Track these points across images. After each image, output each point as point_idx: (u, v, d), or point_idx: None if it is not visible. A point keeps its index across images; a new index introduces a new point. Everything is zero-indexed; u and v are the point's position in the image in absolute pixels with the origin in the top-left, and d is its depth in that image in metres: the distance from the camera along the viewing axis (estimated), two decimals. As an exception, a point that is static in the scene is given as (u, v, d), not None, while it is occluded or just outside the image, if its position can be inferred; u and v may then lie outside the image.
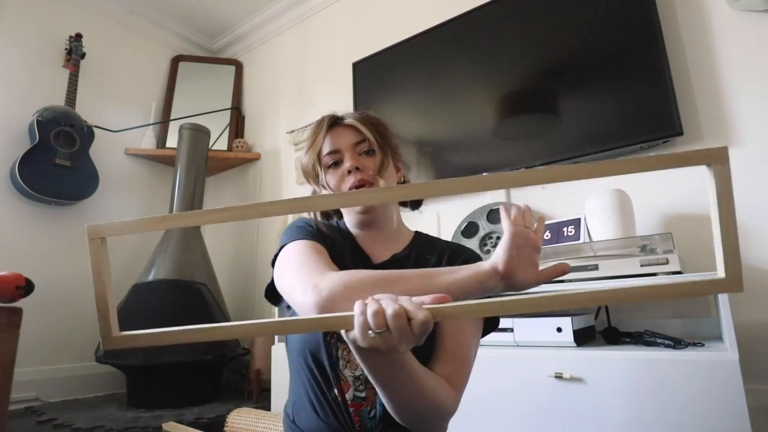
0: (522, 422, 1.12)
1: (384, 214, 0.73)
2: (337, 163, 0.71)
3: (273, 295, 0.70)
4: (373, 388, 0.64)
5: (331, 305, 0.52)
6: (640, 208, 1.42)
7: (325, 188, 0.72)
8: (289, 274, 0.62)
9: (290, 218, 2.44)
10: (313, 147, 0.72)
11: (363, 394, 0.64)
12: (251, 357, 2.09)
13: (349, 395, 0.64)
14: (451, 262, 0.71)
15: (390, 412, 0.58)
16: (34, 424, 1.70)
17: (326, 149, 0.71)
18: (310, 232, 0.69)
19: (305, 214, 0.77)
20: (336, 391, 0.64)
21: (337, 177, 0.70)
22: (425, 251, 0.74)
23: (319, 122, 0.74)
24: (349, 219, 0.76)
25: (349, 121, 0.72)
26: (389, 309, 0.42)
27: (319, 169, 0.72)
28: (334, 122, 0.73)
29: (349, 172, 0.69)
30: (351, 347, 0.49)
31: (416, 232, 0.80)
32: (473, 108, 1.84)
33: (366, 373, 0.53)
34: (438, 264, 0.71)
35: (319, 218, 0.79)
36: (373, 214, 0.71)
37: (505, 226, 0.57)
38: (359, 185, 0.69)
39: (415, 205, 0.85)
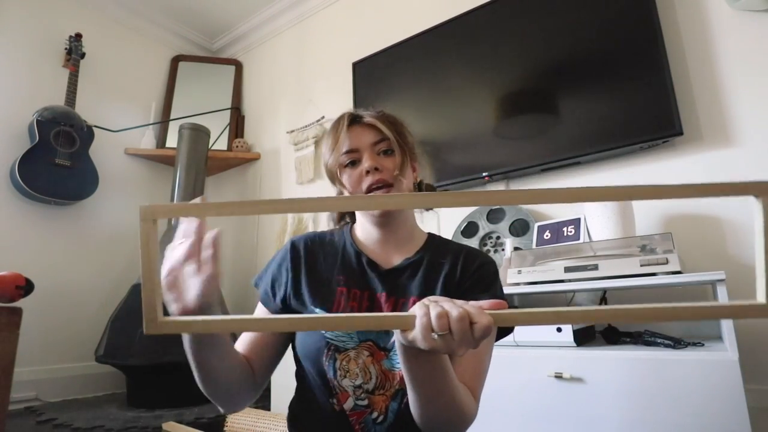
0: (522, 422, 1.12)
1: (400, 214, 0.72)
2: (354, 163, 0.70)
3: None
4: (380, 395, 0.64)
5: None
6: (640, 208, 1.42)
7: (344, 188, 0.71)
8: None
9: (290, 221, 2.44)
10: (337, 147, 0.70)
11: (365, 402, 0.64)
12: (251, 357, 2.08)
13: (348, 405, 0.64)
14: (466, 267, 0.70)
15: (417, 417, 0.58)
16: (33, 424, 1.70)
17: (344, 148, 0.70)
18: (265, 291, 0.72)
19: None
20: (335, 400, 0.64)
21: (355, 177, 0.69)
22: (439, 254, 0.72)
23: (338, 120, 0.72)
24: (364, 219, 0.74)
25: (368, 119, 0.71)
26: (453, 312, 0.42)
27: (338, 169, 0.71)
28: (352, 120, 0.72)
29: (368, 172, 0.68)
30: (399, 348, 0.50)
31: (429, 234, 0.78)
32: (473, 108, 1.84)
33: (406, 374, 0.53)
34: (453, 268, 0.70)
35: (332, 224, 0.79)
36: (388, 216, 0.70)
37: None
38: (377, 186, 0.68)
39: None
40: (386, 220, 0.71)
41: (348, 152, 0.70)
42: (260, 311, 0.73)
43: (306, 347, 0.67)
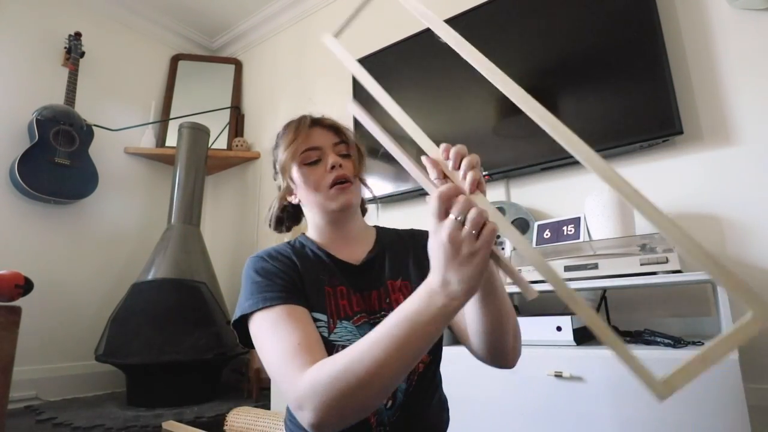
0: (522, 421, 1.12)
1: (355, 210, 0.76)
2: (316, 162, 0.72)
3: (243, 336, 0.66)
4: None
5: (322, 422, 0.49)
6: (640, 207, 1.42)
7: (294, 184, 0.74)
8: (271, 361, 0.57)
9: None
10: (296, 142, 0.72)
11: None
12: (251, 356, 2.09)
13: None
14: (417, 247, 0.76)
15: (495, 338, 0.60)
16: (33, 423, 1.70)
17: (307, 144, 0.72)
18: (277, 286, 0.63)
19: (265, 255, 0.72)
20: None
21: (319, 173, 0.72)
22: (394, 242, 0.78)
23: (300, 120, 0.75)
24: (319, 219, 0.74)
25: (329, 122, 0.76)
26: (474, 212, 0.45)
27: (294, 165, 0.73)
28: (314, 122, 0.76)
29: (333, 167, 0.71)
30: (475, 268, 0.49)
31: (376, 226, 0.83)
32: (473, 107, 1.84)
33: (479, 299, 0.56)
34: (416, 250, 0.76)
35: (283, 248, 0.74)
36: (349, 210, 0.73)
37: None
38: (341, 181, 0.71)
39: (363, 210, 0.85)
40: (344, 215, 0.74)
41: (312, 149, 0.72)
42: (288, 313, 0.61)
43: None
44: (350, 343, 0.63)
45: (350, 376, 0.48)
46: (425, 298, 0.47)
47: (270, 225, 0.82)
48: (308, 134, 0.73)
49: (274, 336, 0.58)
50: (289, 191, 0.76)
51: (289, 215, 0.82)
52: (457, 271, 0.45)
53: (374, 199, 0.85)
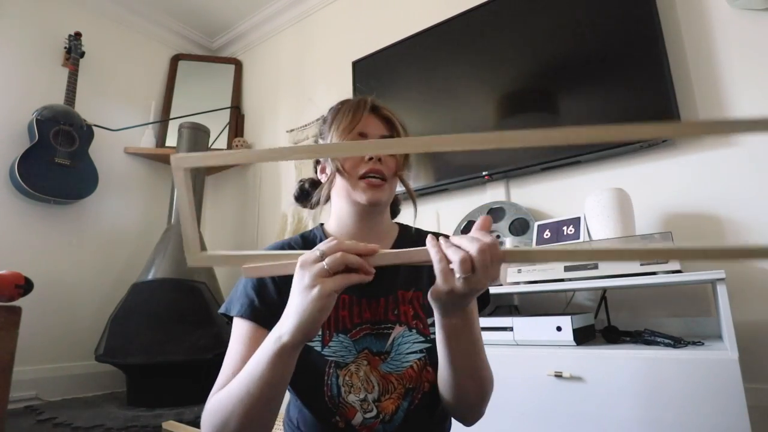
0: (521, 421, 1.12)
1: (384, 208, 0.70)
2: None
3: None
4: (388, 400, 0.62)
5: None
6: (640, 207, 1.42)
7: (330, 165, 0.69)
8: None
9: (289, 220, 2.44)
10: (349, 127, 0.67)
11: (373, 413, 0.62)
12: (251, 356, 2.09)
13: (357, 420, 0.61)
14: None
15: (451, 388, 0.58)
16: (33, 423, 1.70)
17: (357, 130, 0.68)
18: (252, 305, 0.62)
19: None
20: (338, 417, 0.62)
21: (355, 159, 0.66)
22: (415, 245, 0.72)
23: (359, 103, 0.70)
24: (349, 208, 0.69)
25: (386, 113, 0.71)
26: (473, 249, 0.44)
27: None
28: (373, 109, 0.71)
29: (370, 159, 0.65)
30: (441, 308, 0.52)
31: (399, 224, 0.77)
32: (473, 107, 1.84)
33: (443, 340, 0.54)
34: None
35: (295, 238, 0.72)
36: (377, 207, 0.68)
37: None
38: (373, 175, 0.65)
39: (394, 213, 0.81)
40: (374, 210, 0.68)
41: (359, 135, 0.68)
42: (248, 333, 0.61)
43: (306, 369, 0.61)
44: (343, 359, 0.62)
45: (222, 409, 0.52)
46: (273, 333, 0.49)
47: (295, 196, 0.78)
48: (362, 119, 0.69)
49: (231, 348, 0.61)
50: (323, 168, 0.72)
51: (306, 193, 0.76)
52: (296, 297, 0.47)
53: (413, 202, 0.76)
